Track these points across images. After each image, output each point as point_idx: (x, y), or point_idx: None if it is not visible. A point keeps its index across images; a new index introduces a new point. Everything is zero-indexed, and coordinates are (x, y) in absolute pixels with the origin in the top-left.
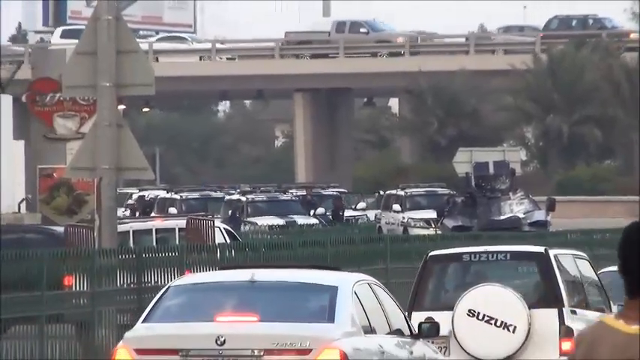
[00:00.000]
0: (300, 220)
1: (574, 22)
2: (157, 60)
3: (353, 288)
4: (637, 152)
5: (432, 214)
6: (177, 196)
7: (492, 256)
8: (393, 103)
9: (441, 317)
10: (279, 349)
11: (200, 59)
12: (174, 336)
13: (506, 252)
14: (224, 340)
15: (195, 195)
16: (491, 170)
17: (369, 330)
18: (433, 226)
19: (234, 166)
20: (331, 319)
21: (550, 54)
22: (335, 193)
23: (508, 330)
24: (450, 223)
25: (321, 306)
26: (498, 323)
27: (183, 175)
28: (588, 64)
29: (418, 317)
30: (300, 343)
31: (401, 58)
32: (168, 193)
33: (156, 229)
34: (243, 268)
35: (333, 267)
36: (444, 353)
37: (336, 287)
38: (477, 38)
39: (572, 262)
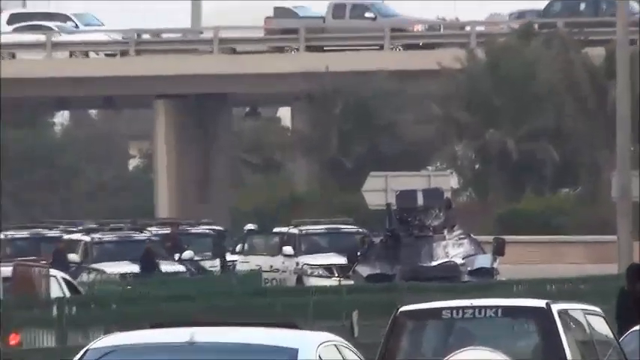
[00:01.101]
0: (163, 266)
1: (582, 6)
2: None
3: (317, 350)
4: (604, 176)
5: (334, 258)
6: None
7: (480, 312)
8: (284, 113)
9: None
10: None
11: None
12: None
13: (498, 307)
14: None
15: (24, 234)
16: (420, 201)
17: None
18: (336, 274)
19: (75, 195)
20: None
21: (489, 48)
22: (207, 230)
23: None
24: (364, 270)
25: None
26: None
27: (8, 207)
28: (540, 60)
29: None
30: None
31: (296, 54)
32: None
33: None
34: (178, 326)
35: (290, 324)
36: None
37: (296, 350)
38: (392, 30)
39: (582, 319)
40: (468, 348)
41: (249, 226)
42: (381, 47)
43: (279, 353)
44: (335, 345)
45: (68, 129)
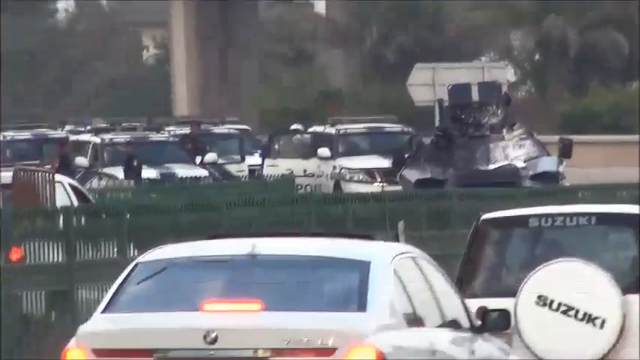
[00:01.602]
0: (182, 171)
1: None
2: None
3: (392, 263)
4: None
5: (376, 161)
6: None
7: (571, 220)
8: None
9: (499, 306)
10: (292, 349)
11: None
12: (146, 331)
13: (591, 214)
14: (215, 337)
15: (26, 135)
16: (475, 96)
17: (415, 321)
18: (379, 179)
19: (82, 92)
20: (362, 306)
21: None
22: (231, 130)
23: (593, 324)
24: (412, 175)
25: (349, 289)
26: (580, 315)
27: (7, 106)
28: None
29: (469, 306)
30: (321, 341)
31: None
32: None
33: None
34: (239, 237)
35: (365, 235)
36: None
37: (369, 263)
38: None
39: None
40: (559, 260)
41: (295, 126)
42: None
43: (349, 267)
44: (412, 257)
45: (73, 16)
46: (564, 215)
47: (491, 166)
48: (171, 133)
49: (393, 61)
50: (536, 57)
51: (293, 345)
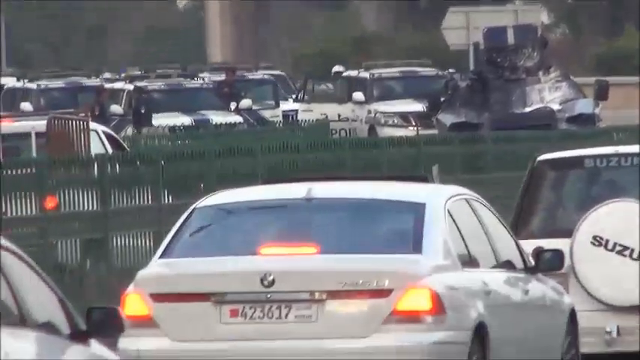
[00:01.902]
0: (217, 117)
1: None
2: None
3: (446, 205)
4: None
5: (411, 105)
6: (32, 85)
7: (626, 160)
8: None
9: (555, 247)
10: (348, 291)
11: None
12: (203, 274)
13: None
14: (272, 280)
15: (60, 83)
16: (511, 39)
17: (469, 262)
18: (413, 123)
19: (115, 39)
20: (417, 248)
21: None
22: (265, 76)
23: None
24: (447, 119)
25: (404, 231)
26: (635, 254)
27: (40, 53)
28: None
29: (525, 247)
30: (377, 282)
31: None
32: (19, 80)
33: (2, 135)
34: (295, 182)
35: (420, 177)
36: None
37: (423, 205)
38: None
39: None
40: (614, 200)
41: (337, 68)
42: None
43: (404, 209)
44: (465, 199)
45: None
46: (619, 155)
47: (527, 109)
48: (206, 79)
49: (425, 5)
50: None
51: (349, 287)
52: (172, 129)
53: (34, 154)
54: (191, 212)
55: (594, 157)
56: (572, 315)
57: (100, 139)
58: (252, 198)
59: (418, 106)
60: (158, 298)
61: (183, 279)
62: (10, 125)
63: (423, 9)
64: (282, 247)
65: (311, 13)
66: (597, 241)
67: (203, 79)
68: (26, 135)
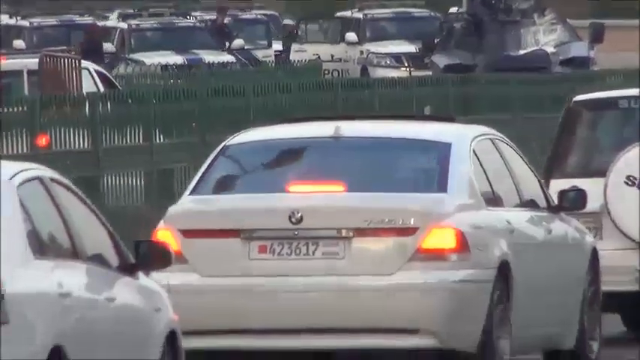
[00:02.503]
0: (209, 56)
1: None
2: None
3: (471, 145)
4: None
5: (404, 46)
6: (25, 23)
7: None
8: None
9: (590, 186)
10: (374, 229)
11: None
12: (233, 211)
13: None
14: (300, 217)
15: (52, 21)
16: None
17: (493, 201)
18: (406, 64)
19: None
20: (443, 187)
21: None
22: (258, 16)
23: None
24: (441, 60)
25: (429, 170)
26: None
27: None
28: None
29: (558, 186)
30: (402, 220)
31: None
32: (11, 17)
33: None
34: (322, 120)
35: (446, 117)
36: (595, 235)
37: (449, 144)
38: None
39: None
40: None
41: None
42: None
43: (430, 148)
44: (490, 139)
45: None
46: None
47: (522, 51)
48: (198, 18)
49: None
50: None
51: (375, 225)
52: (165, 67)
53: (26, 92)
54: (221, 149)
55: (628, 98)
56: (594, 253)
57: (92, 77)
58: (281, 136)
59: (411, 47)
60: (188, 233)
61: (213, 215)
62: (2, 63)
63: None
64: (310, 184)
65: None
66: (631, 180)
67: (195, 18)
68: (19, 72)
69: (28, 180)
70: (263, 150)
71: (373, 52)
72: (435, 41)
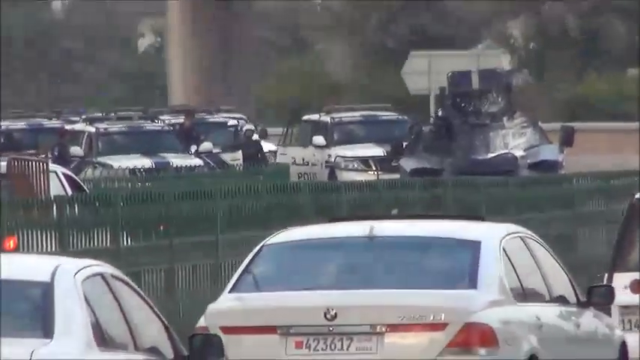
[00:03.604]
0: (176, 160)
1: None
2: None
3: (501, 243)
4: None
5: (372, 149)
6: None
7: None
8: None
9: None
10: (407, 325)
11: None
12: (270, 308)
13: None
14: (335, 314)
15: (21, 124)
16: (476, 84)
17: (523, 297)
18: (374, 168)
19: (78, 81)
20: (473, 284)
21: None
22: (229, 119)
23: None
24: (408, 164)
25: (460, 267)
26: None
27: (4, 95)
28: None
29: (622, 279)
30: (433, 316)
31: None
32: None
33: None
34: (357, 220)
35: (476, 216)
36: None
37: (479, 242)
38: None
39: None
40: None
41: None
42: None
43: (460, 246)
44: (520, 237)
45: (70, 5)
46: None
47: (490, 155)
48: (166, 122)
49: (390, 49)
50: (532, 44)
51: (407, 321)
52: (132, 171)
53: None
54: (260, 248)
55: None
56: (623, 348)
57: (60, 180)
58: (317, 236)
59: (379, 151)
60: (228, 330)
61: (252, 313)
62: None
63: (389, 53)
64: (345, 282)
65: (276, 56)
66: None
67: (163, 122)
68: None
69: (92, 276)
70: (299, 249)
71: (341, 156)
72: (404, 144)
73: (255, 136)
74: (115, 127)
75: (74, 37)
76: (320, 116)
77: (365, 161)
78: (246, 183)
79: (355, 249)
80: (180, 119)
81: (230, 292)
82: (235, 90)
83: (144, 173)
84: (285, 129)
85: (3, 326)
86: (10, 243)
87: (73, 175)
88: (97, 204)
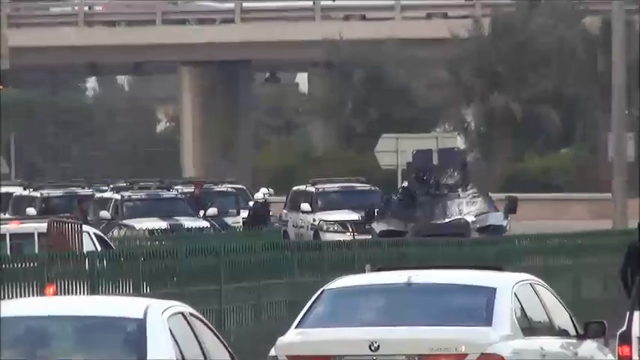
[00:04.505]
0: (188, 222)
1: None
2: (15, 27)
3: (513, 289)
4: (601, 138)
5: (348, 214)
6: (36, 194)
7: None
8: (301, 78)
9: None
10: (435, 355)
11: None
12: (327, 341)
13: None
14: (378, 346)
15: (59, 192)
16: (436, 160)
17: (530, 331)
18: (350, 230)
19: (106, 156)
20: (489, 322)
21: (494, 18)
22: (229, 189)
23: None
24: (378, 226)
25: (479, 308)
26: None
27: (43, 167)
28: (541, 30)
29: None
30: (456, 348)
31: (312, 23)
32: (25, 189)
33: (10, 235)
34: (398, 270)
35: (495, 266)
36: None
37: (495, 289)
38: None
39: None
40: None
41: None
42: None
43: (479, 291)
44: (530, 283)
45: (100, 94)
46: None
47: (446, 220)
48: (179, 191)
49: (363, 131)
50: (482, 128)
51: (435, 352)
52: (151, 232)
53: (37, 251)
54: (321, 292)
55: None
56: None
57: (91, 239)
58: (366, 282)
59: (355, 216)
60: (293, 358)
61: (312, 344)
62: (17, 227)
63: (360, 135)
64: (386, 320)
65: (269, 137)
66: None
67: (177, 191)
68: (30, 235)
69: (175, 314)
70: (352, 293)
71: (323, 220)
72: (375, 211)
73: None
74: (137, 194)
75: (102, 117)
76: (306, 187)
77: (343, 224)
78: (245, 242)
79: (395, 293)
80: (191, 189)
81: (296, 327)
82: (236, 165)
83: (161, 233)
84: (286, 197)
85: (106, 353)
86: (50, 290)
87: (103, 235)
88: (122, 259)
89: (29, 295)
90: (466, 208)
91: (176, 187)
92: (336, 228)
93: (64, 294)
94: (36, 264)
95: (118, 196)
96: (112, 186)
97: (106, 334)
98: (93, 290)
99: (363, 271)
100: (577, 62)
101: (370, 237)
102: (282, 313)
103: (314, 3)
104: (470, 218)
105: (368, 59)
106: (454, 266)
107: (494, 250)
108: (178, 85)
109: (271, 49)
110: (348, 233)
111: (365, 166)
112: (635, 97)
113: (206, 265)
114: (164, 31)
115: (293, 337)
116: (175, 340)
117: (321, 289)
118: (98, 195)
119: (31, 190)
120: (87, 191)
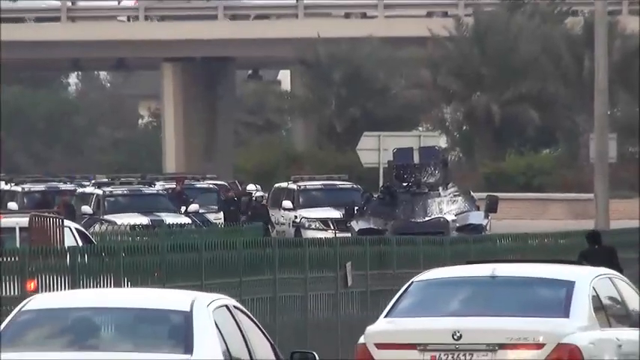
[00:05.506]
0: (169, 218)
1: None
2: None
3: (591, 282)
4: (583, 139)
5: (330, 212)
6: (18, 188)
7: None
8: (284, 76)
9: None
10: (513, 344)
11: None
12: (412, 331)
13: None
14: (460, 335)
15: (41, 187)
16: (417, 159)
17: (606, 323)
18: (332, 227)
19: (88, 152)
20: (566, 313)
21: (477, 18)
22: (210, 185)
23: None
24: (357, 225)
25: (557, 301)
26: None
27: (26, 163)
28: (524, 31)
29: None
30: (534, 338)
31: (294, 21)
32: (7, 184)
33: None
34: (486, 263)
35: (572, 261)
36: None
37: (573, 282)
38: None
39: None
40: None
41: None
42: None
43: (558, 285)
44: (609, 278)
45: (82, 89)
46: None
47: (425, 218)
48: (161, 186)
49: (344, 129)
50: (464, 128)
51: (514, 341)
52: (132, 227)
53: (18, 245)
54: (410, 284)
55: None
56: None
57: (73, 233)
58: (451, 275)
59: (336, 213)
60: (380, 346)
61: (399, 333)
62: None
63: (342, 133)
64: (469, 310)
65: (251, 135)
66: None
67: (159, 186)
68: (11, 229)
69: (219, 307)
70: (439, 285)
71: (305, 217)
72: (355, 209)
73: (264, 201)
74: (119, 190)
75: (85, 114)
76: (288, 184)
77: (325, 222)
78: (226, 238)
79: (480, 285)
80: (172, 185)
81: (385, 317)
82: (217, 161)
83: (142, 229)
84: (268, 194)
85: (154, 345)
86: (31, 285)
87: (84, 230)
88: (103, 254)
89: (10, 290)
90: (446, 206)
91: (158, 183)
92: (317, 225)
93: (45, 289)
94: (17, 258)
95: (99, 192)
96: (93, 181)
97: (153, 326)
98: (74, 285)
99: (345, 269)
100: (559, 63)
101: (349, 234)
102: (263, 310)
103: (297, 1)
104: (450, 217)
105: (350, 58)
106: (537, 260)
107: (475, 248)
108: (161, 81)
109: (254, 47)
110: (330, 231)
111: (347, 163)
112: (617, 97)
113: (187, 261)
114: (147, 27)
115: (381, 326)
116: (220, 333)
117: (410, 281)
118: (80, 190)
119: (12, 184)
120: (69, 186)
